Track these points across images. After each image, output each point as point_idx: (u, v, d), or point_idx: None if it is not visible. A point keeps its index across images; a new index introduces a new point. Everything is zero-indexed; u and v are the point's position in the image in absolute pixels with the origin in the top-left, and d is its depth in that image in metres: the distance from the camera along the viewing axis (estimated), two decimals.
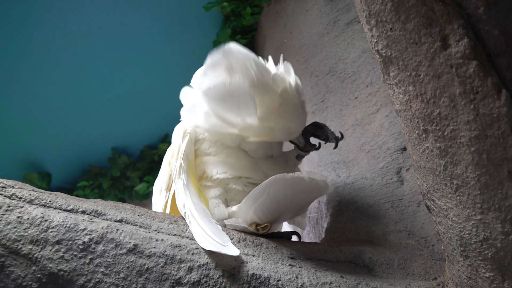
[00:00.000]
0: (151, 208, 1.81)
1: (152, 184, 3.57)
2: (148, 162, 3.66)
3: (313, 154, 2.19)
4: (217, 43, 3.09)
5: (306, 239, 2.15)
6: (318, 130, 1.79)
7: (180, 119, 1.80)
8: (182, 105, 1.79)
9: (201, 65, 1.69)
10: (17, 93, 3.13)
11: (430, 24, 1.08)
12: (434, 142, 1.14)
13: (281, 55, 1.75)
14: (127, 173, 3.68)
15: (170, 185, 1.66)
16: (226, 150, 1.69)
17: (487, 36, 1.05)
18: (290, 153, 1.85)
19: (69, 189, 3.64)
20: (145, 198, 3.65)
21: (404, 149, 1.87)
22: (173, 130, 1.81)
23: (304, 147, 1.79)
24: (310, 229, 2.11)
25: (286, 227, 2.01)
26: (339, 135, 1.75)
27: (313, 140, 1.84)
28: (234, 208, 1.52)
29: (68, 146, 3.54)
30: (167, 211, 1.64)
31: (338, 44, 2.40)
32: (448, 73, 1.07)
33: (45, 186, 3.48)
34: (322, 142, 1.83)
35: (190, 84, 1.74)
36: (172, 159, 1.68)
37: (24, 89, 3.14)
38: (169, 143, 3.54)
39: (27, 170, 3.48)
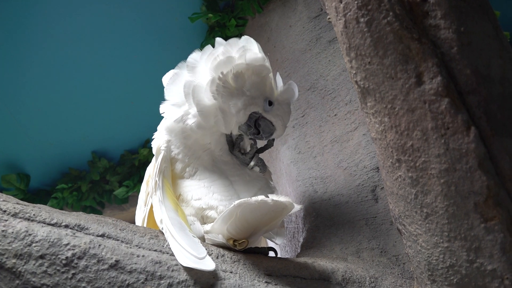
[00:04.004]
0: (129, 212, 1.85)
1: (131, 189, 3.61)
2: (128, 166, 3.67)
3: (292, 168, 2.24)
4: None
5: (282, 252, 2.20)
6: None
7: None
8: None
9: None
10: None
11: (406, 61, 1.14)
12: (406, 172, 1.20)
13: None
14: (107, 177, 3.68)
15: (147, 201, 1.70)
16: (199, 172, 1.75)
17: (459, 74, 1.12)
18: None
19: (48, 191, 3.63)
20: (123, 202, 3.66)
21: None
22: (154, 136, 1.87)
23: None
24: (286, 242, 2.16)
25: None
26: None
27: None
28: (207, 227, 1.57)
29: (48, 148, 3.52)
30: (145, 225, 1.68)
31: (320, 61, 2.46)
32: (421, 108, 1.13)
33: (24, 187, 3.47)
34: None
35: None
36: (150, 178, 1.73)
37: (4, 90, 3.12)
38: (150, 148, 3.57)
39: (6, 171, 3.46)
